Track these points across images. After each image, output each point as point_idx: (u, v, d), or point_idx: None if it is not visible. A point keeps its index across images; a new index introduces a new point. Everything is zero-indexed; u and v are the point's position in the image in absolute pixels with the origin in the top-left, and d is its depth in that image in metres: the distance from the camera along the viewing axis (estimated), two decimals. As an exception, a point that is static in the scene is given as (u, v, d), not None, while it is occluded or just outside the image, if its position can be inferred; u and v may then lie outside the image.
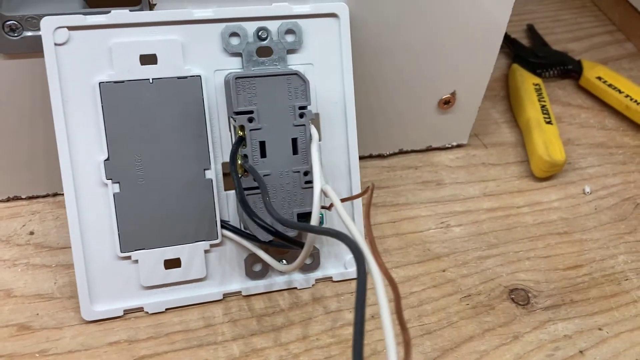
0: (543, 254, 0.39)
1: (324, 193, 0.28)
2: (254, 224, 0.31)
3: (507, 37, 0.56)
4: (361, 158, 0.43)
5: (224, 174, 0.34)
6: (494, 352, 0.33)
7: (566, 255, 0.39)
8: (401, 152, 0.45)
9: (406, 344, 0.18)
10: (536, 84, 0.50)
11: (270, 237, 0.32)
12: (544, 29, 0.59)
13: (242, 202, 0.29)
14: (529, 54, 0.54)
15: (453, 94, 0.42)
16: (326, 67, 0.34)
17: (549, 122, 0.46)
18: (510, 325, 0.35)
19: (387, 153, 0.44)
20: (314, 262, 0.35)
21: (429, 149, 0.45)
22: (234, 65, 0.33)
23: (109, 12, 0.31)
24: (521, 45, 0.55)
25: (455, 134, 0.45)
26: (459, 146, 0.46)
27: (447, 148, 0.46)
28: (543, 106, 0.47)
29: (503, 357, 0.33)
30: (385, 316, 0.19)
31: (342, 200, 0.27)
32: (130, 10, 0.31)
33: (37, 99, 0.34)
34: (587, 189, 0.43)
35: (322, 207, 0.32)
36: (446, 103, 0.42)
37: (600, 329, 0.35)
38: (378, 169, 0.44)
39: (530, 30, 0.58)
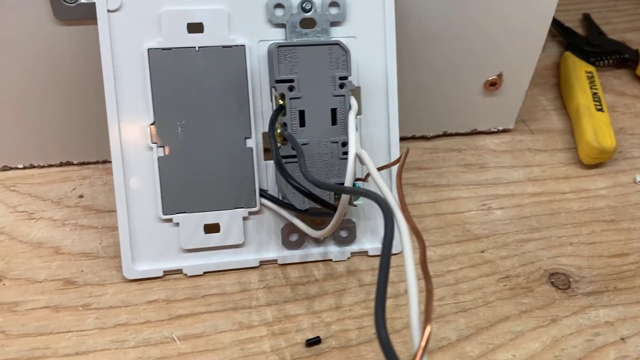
0: (587, 240, 0.38)
1: (359, 158, 0.28)
2: (291, 191, 0.32)
3: (561, 26, 0.54)
4: (404, 139, 0.44)
5: (265, 148, 0.35)
6: (530, 333, 0.33)
7: (612, 242, 0.38)
8: (445, 135, 0.44)
9: (428, 293, 0.18)
10: (589, 72, 0.48)
11: (306, 205, 0.32)
12: (601, 18, 0.57)
13: (278, 165, 0.29)
14: (583, 42, 0.52)
15: (500, 75, 0.41)
16: (369, 41, 0.34)
17: (600, 110, 0.44)
18: (548, 308, 0.34)
19: (431, 135, 0.44)
20: (350, 235, 0.36)
21: (474, 133, 0.45)
22: (278, 36, 0.34)
23: (160, -19, 0.32)
24: (575, 33, 0.54)
25: (501, 118, 0.44)
26: (504, 131, 0.45)
27: (493, 132, 0.45)
28: (595, 94, 0.46)
29: (539, 339, 0.32)
30: (409, 263, 0.19)
31: (379, 168, 0.27)
32: (180, -20, 0.32)
33: (89, 65, 0.35)
34: (638, 178, 0.42)
35: (358, 179, 0.32)
36: (492, 85, 0.41)
37: (644, 318, 0.34)
38: (421, 150, 0.43)
39: (586, 19, 0.57)
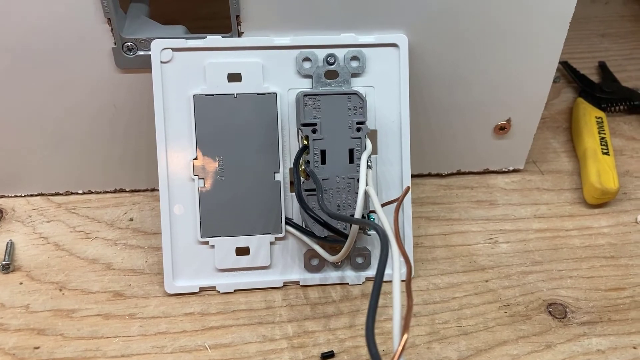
0: (586, 275, 0.41)
1: (367, 193, 0.32)
2: (312, 220, 0.36)
3: (576, 73, 0.58)
4: (421, 176, 0.48)
5: (290, 182, 0.39)
6: (525, 357, 0.36)
7: (610, 277, 0.41)
8: (459, 173, 0.48)
9: (408, 308, 0.22)
10: (598, 117, 0.52)
11: (325, 233, 0.37)
12: (616, 66, 0.60)
13: (298, 197, 0.34)
14: (596, 89, 0.56)
15: (508, 120, 0.45)
16: (385, 90, 0.39)
17: (606, 153, 0.47)
18: (544, 335, 0.37)
19: (446, 173, 0.48)
20: (365, 262, 0.40)
21: (486, 172, 0.48)
22: (305, 85, 0.39)
23: (205, 37, 0.38)
24: (589, 80, 0.57)
25: (512, 158, 0.48)
26: (515, 171, 0.49)
27: (504, 172, 0.49)
28: (602, 138, 0.49)
29: (534, 362, 0.36)
30: (396, 282, 0.23)
31: (383, 204, 0.31)
32: (223, 37, 0.38)
33: (143, 107, 0.41)
34: (640, 218, 0.45)
35: (372, 212, 0.36)
36: (502, 129, 0.45)
37: (635, 348, 0.36)
38: (436, 187, 0.47)
39: (602, 67, 0.60)
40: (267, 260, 0.39)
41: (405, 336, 0.22)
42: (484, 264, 0.41)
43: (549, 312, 0.38)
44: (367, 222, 0.27)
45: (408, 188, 0.30)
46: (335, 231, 0.35)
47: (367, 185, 0.32)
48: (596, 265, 0.42)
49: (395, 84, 0.39)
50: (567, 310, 0.39)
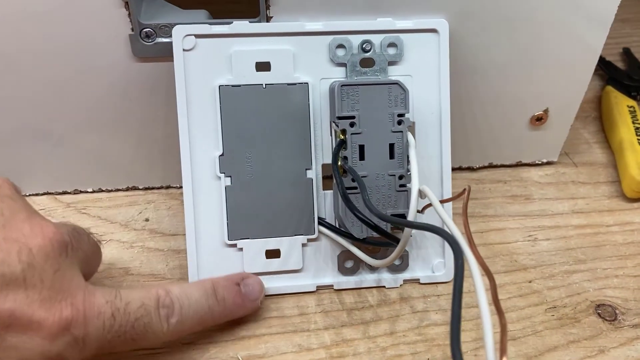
0: (633, 273, 0.39)
1: (421, 193, 0.30)
2: (350, 221, 0.34)
3: (601, 60, 0.56)
4: (451, 170, 0.45)
5: (323, 177, 0.37)
6: (579, 363, 0.34)
7: (657, 276, 0.39)
8: (491, 166, 0.46)
9: (502, 327, 0.20)
10: (630, 107, 0.49)
11: (364, 235, 0.34)
12: (640, 52, 0.58)
13: (344, 197, 0.31)
14: (624, 76, 0.53)
15: (546, 111, 0.43)
16: (424, 79, 0.36)
17: (643, 144, 0.45)
18: (596, 339, 0.35)
19: (477, 166, 0.46)
20: (403, 264, 0.37)
21: (519, 165, 0.46)
22: (339, 75, 0.36)
23: (231, 22, 0.35)
24: (616, 67, 0.55)
25: (546, 151, 0.45)
26: (548, 163, 0.46)
27: (537, 164, 0.46)
28: (637, 128, 0.47)
29: (588, 369, 0.34)
30: (482, 300, 0.21)
31: (441, 201, 0.29)
32: (250, 22, 0.35)
33: (161, 99, 0.38)
34: (682, 212, 0.43)
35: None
36: (538, 120, 0.43)
37: (691, 351, 0.35)
38: (467, 181, 0.45)
39: (626, 53, 0.58)
40: (299, 263, 0.36)
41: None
42: (525, 264, 0.39)
43: (598, 314, 0.36)
44: (433, 227, 0.25)
45: (469, 187, 0.27)
46: (382, 232, 0.32)
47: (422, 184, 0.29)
48: (642, 262, 0.40)
49: (434, 72, 0.36)
50: (617, 311, 0.37)
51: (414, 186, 0.30)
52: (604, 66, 0.55)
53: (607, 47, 0.41)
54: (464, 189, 0.27)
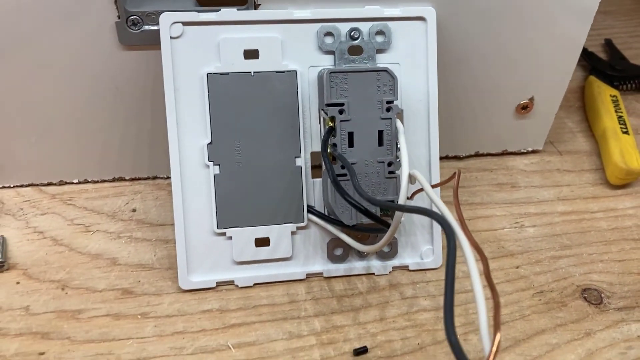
0: (617, 258, 0.39)
1: (411, 178, 0.30)
2: (340, 208, 0.34)
3: (584, 51, 0.56)
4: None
5: (312, 165, 0.37)
6: (566, 346, 0.34)
7: (641, 260, 0.39)
8: (477, 155, 0.46)
9: (496, 305, 0.20)
10: (613, 96, 0.50)
11: (354, 221, 0.34)
12: (622, 43, 0.59)
13: (335, 183, 0.31)
14: (607, 67, 0.54)
15: (531, 99, 0.43)
16: (412, 66, 0.37)
17: (626, 132, 0.46)
18: (582, 322, 0.36)
19: (464, 155, 0.46)
20: (392, 251, 0.37)
21: (504, 153, 0.47)
22: (327, 62, 0.36)
23: (219, 10, 0.34)
24: (598, 58, 0.56)
25: (531, 139, 0.46)
26: (533, 152, 0.47)
27: (522, 153, 0.47)
28: (620, 117, 0.48)
29: (575, 351, 0.34)
30: (475, 276, 0.21)
31: (432, 186, 0.29)
32: (238, 9, 0.35)
33: (148, 88, 0.38)
34: (664, 199, 0.44)
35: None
36: (524, 108, 0.43)
37: (675, 333, 0.35)
38: (454, 170, 0.45)
39: (608, 44, 0.59)
40: (289, 251, 0.36)
41: (499, 335, 0.19)
42: (512, 250, 0.40)
43: (584, 297, 0.37)
44: (426, 210, 0.25)
45: (459, 171, 0.27)
46: (374, 218, 0.32)
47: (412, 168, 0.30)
48: (626, 247, 0.40)
49: (422, 60, 0.37)
50: (602, 295, 0.37)
51: (404, 171, 0.30)
52: (586, 57, 0.56)
53: (589, 39, 0.42)
54: (454, 173, 0.28)
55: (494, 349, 0.19)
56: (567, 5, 0.39)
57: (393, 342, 0.34)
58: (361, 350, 0.33)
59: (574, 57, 0.42)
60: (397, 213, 0.30)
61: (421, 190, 0.34)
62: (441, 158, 0.46)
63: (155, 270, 0.37)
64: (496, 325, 0.20)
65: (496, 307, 0.20)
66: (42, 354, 0.32)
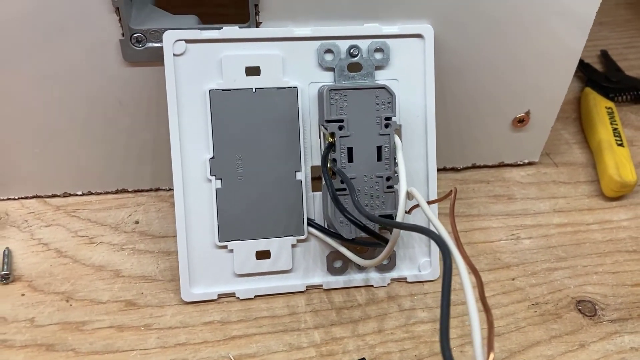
0: (611, 270, 0.40)
1: (409, 194, 0.31)
2: (339, 222, 0.35)
3: (580, 62, 0.57)
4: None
5: (312, 178, 0.37)
6: (560, 357, 0.35)
7: (635, 272, 0.40)
8: (474, 167, 0.47)
9: (489, 324, 0.21)
10: (608, 108, 0.51)
11: (353, 235, 0.35)
12: (617, 55, 0.60)
13: (334, 199, 0.32)
14: (602, 78, 0.55)
15: (527, 113, 0.44)
16: (410, 83, 0.37)
17: (621, 145, 0.47)
18: (576, 334, 0.36)
19: (461, 167, 0.47)
20: (390, 263, 0.38)
21: (501, 165, 0.47)
22: (327, 79, 0.37)
23: (221, 28, 0.35)
24: (594, 69, 0.56)
25: (527, 151, 0.47)
26: (530, 164, 0.48)
27: (519, 165, 0.48)
28: (615, 129, 0.48)
29: (569, 363, 0.35)
30: (470, 298, 0.22)
31: (428, 202, 0.30)
32: (240, 27, 0.35)
33: (152, 103, 0.38)
34: (658, 211, 0.44)
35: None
36: (520, 122, 0.44)
37: (667, 344, 0.36)
38: (451, 182, 0.46)
39: (604, 55, 0.59)
40: (289, 263, 0.37)
41: (492, 355, 0.20)
42: (508, 262, 0.40)
43: (579, 309, 0.38)
44: (421, 228, 0.26)
45: (455, 189, 0.28)
46: (371, 233, 0.33)
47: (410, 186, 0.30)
48: (620, 260, 0.41)
49: (420, 77, 0.37)
50: (597, 307, 0.38)
51: (402, 188, 0.31)
52: (582, 68, 0.57)
53: (585, 50, 0.42)
54: (451, 190, 0.28)
55: (488, 368, 0.20)
56: (564, 18, 0.39)
57: (391, 353, 0.35)
58: (360, 362, 0.34)
59: (570, 72, 0.43)
60: (395, 230, 0.30)
61: (418, 206, 0.34)
62: (439, 170, 0.46)
63: (158, 282, 0.38)
64: (489, 345, 0.20)
65: (490, 328, 0.21)
66: (48, 365, 0.33)
